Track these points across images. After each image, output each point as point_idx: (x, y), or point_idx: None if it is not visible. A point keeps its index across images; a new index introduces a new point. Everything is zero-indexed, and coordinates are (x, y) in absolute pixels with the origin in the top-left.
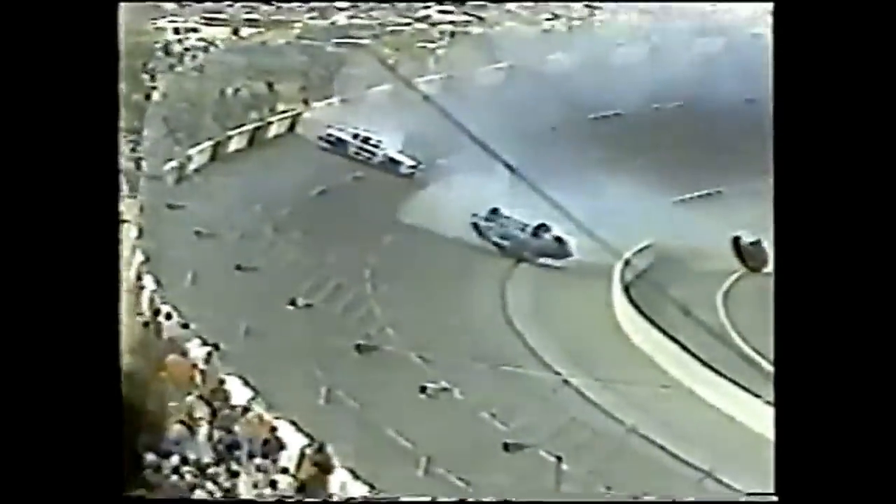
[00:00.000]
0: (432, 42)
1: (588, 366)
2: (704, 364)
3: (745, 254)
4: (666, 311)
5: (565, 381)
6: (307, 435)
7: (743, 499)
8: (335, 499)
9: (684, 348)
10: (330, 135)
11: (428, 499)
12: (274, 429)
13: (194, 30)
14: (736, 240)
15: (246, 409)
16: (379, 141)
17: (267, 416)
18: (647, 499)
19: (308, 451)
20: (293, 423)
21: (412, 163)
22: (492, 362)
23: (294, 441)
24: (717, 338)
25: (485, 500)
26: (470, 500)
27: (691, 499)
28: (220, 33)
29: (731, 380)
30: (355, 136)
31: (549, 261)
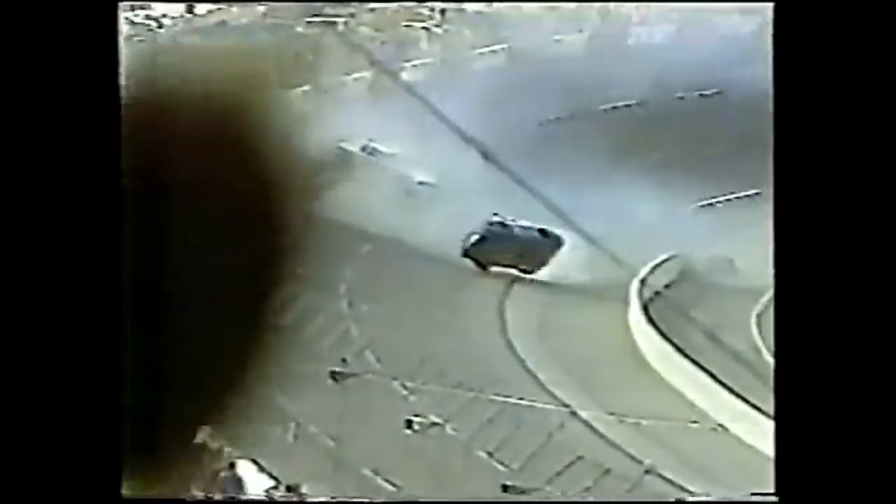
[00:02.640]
0: (420, 21)
1: (600, 396)
2: (736, 395)
3: None
4: (691, 333)
5: (574, 414)
6: (272, 476)
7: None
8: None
9: (713, 377)
10: (340, 148)
11: (427, 499)
12: (232, 464)
13: (141, 7)
14: None
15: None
16: (393, 154)
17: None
18: (647, 499)
19: (276, 493)
20: (256, 462)
21: (426, 179)
22: (489, 392)
23: (258, 483)
24: (750, 366)
25: (485, 499)
26: (467, 500)
27: (692, 499)
28: (173, 11)
29: (768, 414)
30: (363, 149)
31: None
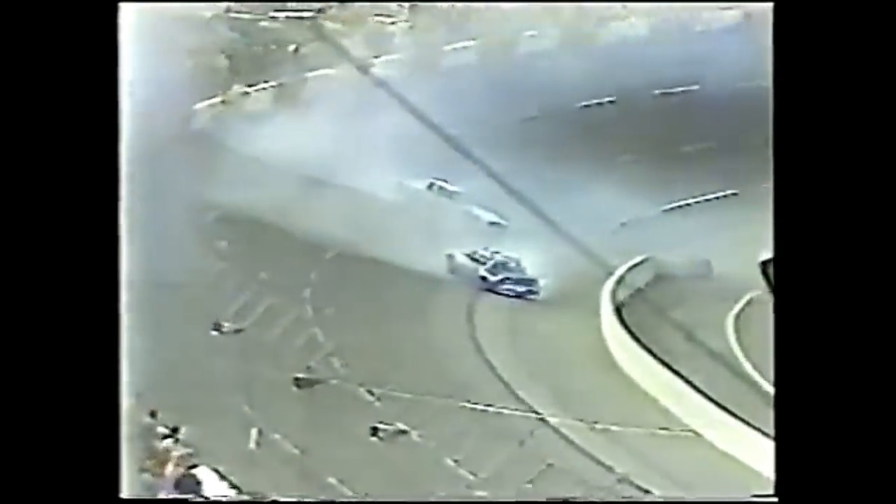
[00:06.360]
0: (390, 15)
1: (572, 403)
2: (712, 401)
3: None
4: (665, 336)
5: (544, 421)
6: (233, 485)
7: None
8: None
9: (688, 382)
10: (401, 184)
11: (424, 499)
12: (192, 466)
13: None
14: (766, 264)
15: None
16: (459, 192)
17: (179, 452)
18: (647, 499)
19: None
20: (216, 471)
21: (494, 219)
22: (457, 399)
23: (218, 491)
24: (727, 369)
25: (484, 499)
26: (469, 500)
27: (692, 499)
28: None
29: (745, 421)
30: (430, 186)
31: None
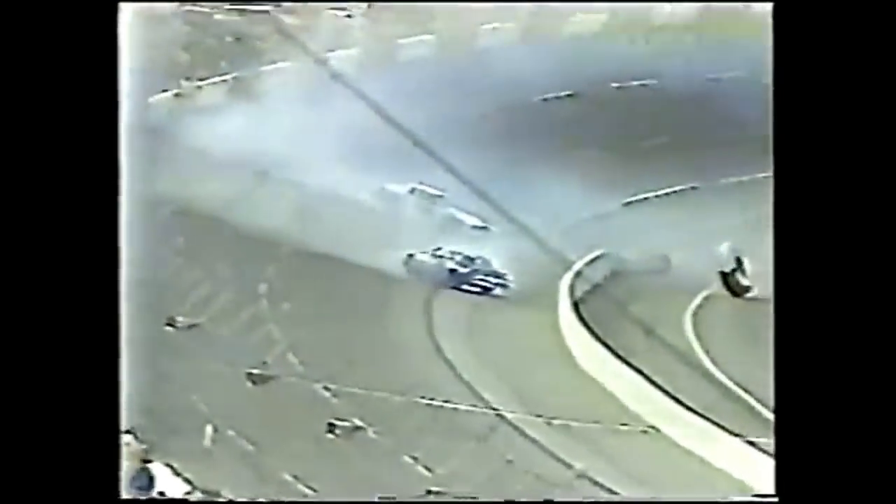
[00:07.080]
0: (345, 9)
1: (530, 399)
2: (671, 397)
3: (736, 288)
4: (624, 332)
5: (502, 417)
6: (187, 481)
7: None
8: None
9: (646, 377)
10: (383, 189)
11: (427, 499)
12: (147, 461)
13: None
14: (725, 274)
15: None
16: (442, 196)
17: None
18: (647, 499)
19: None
20: (170, 466)
21: (478, 223)
22: (415, 395)
23: (172, 488)
24: (685, 365)
25: (487, 500)
26: (470, 500)
27: (691, 498)
28: None
29: (704, 416)
30: (412, 191)
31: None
